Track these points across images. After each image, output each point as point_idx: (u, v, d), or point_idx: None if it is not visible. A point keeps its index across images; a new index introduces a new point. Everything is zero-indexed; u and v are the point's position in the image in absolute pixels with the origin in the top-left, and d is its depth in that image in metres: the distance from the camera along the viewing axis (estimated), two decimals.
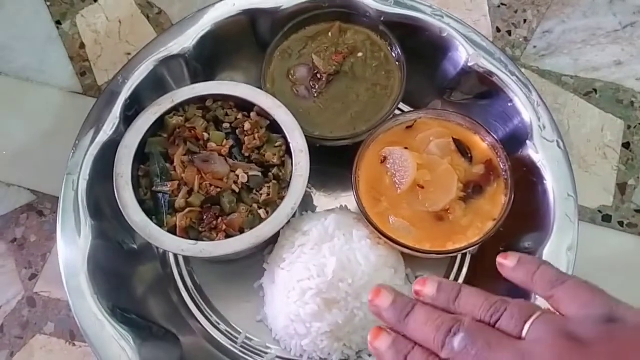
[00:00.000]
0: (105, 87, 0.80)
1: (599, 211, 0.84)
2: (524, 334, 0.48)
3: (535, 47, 0.92)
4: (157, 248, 0.82)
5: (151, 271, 0.82)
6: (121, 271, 0.77)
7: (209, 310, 0.81)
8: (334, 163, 0.82)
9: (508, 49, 0.92)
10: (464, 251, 0.73)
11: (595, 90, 0.89)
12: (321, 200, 0.85)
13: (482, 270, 0.80)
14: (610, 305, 0.48)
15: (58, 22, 0.95)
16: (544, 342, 0.47)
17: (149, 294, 0.79)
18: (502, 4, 0.94)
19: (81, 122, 0.78)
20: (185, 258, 0.82)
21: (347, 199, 0.84)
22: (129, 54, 0.92)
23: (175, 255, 0.83)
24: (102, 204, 0.76)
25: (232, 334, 0.79)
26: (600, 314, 0.47)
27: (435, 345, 0.51)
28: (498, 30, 0.93)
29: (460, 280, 0.81)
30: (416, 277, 0.79)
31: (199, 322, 0.80)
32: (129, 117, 0.78)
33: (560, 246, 0.72)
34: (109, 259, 0.75)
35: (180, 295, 0.82)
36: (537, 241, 0.73)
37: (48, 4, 0.96)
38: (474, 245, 0.71)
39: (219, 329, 0.80)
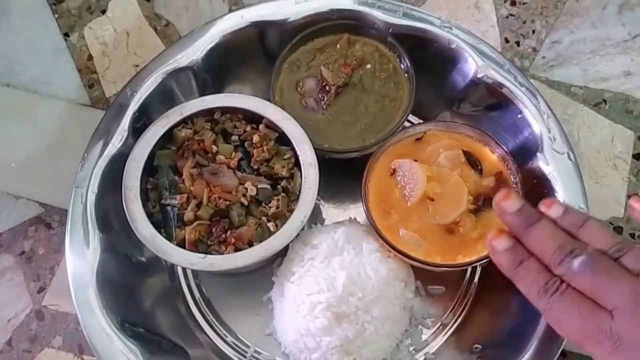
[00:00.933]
0: (113, 100, 0.81)
1: (610, 223, 0.83)
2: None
3: (544, 57, 0.92)
4: (166, 261, 0.81)
5: (159, 284, 0.82)
6: (129, 284, 0.77)
7: (217, 323, 0.81)
8: (343, 174, 0.82)
9: (517, 59, 0.91)
10: (475, 264, 0.72)
11: (605, 101, 0.89)
12: (330, 212, 0.85)
13: (492, 282, 0.79)
14: None
15: (66, 35, 0.95)
16: None
17: (157, 307, 0.79)
18: (511, 15, 0.94)
19: (89, 134, 0.77)
20: (194, 270, 0.82)
21: (356, 211, 0.83)
22: (137, 65, 0.92)
23: (184, 268, 0.82)
24: (110, 216, 0.76)
25: (240, 348, 0.79)
26: None
27: (553, 260, 0.54)
28: (506, 40, 0.93)
29: (471, 292, 0.80)
30: (426, 290, 0.79)
31: (207, 335, 0.80)
32: (137, 129, 0.78)
33: None
34: (118, 272, 0.75)
35: (188, 307, 0.82)
36: None
37: (56, 16, 0.96)
38: (485, 259, 0.70)
39: (227, 342, 0.79)
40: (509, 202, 0.59)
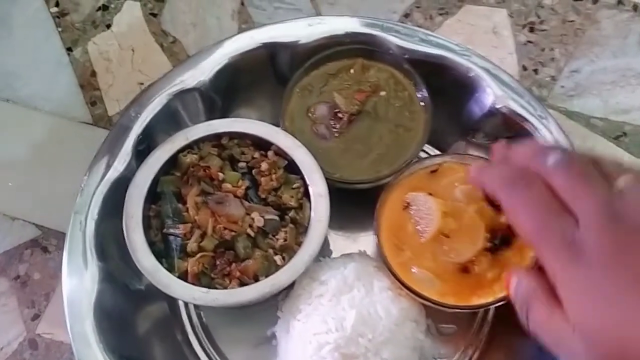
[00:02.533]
0: (116, 120, 0.78)
1: None
2: (619, 184, 0.47)
3: (563, 87, 0.89)
4: None
5: (158, 312, 0.78)
6: (127, 314, 0.74)
7: (217, 356, 0.77)
8: (353, 203, 0.79)
9: (534, 88, 0.88)
10: (490, 306, 0.69)
11: (625, 134, 0.86)
12: (338, 242, 0.81)
13: (507, 321, 0.75)
14: None
15: (69, 49, 0.92)
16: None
17: (155, 339, 0.76)
18: (529, 42, 0.91)
19: (90, 153, 0.75)
20: None
21: (366, 241, 0.80)
22: (142, 83, 0.90)
23: None
24: (109, 243, 0.73)
25: None
26: None
27: (527, 156, 0.52)
28: (524, 68, 0.90)
29: (484, 331, 0.77)
30: (437, 329, 0.76)
31: None
32: (141, 152, 0.75)
33: None
34: (116, 303, 0.72)
35: (187, 338, 0.79)
36: None
37: (59, 29, 0.93)
38: (501, 301, 0.67)
39: None
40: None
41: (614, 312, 0.43)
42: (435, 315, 0.75)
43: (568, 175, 0.48)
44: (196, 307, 0.79)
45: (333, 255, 0.79)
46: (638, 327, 0.42)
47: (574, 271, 0.46)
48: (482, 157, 0.74)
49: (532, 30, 0.92)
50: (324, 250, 0.80)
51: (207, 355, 0.78)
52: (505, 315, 0.75)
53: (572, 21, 0.92)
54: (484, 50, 0.87)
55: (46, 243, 0.82)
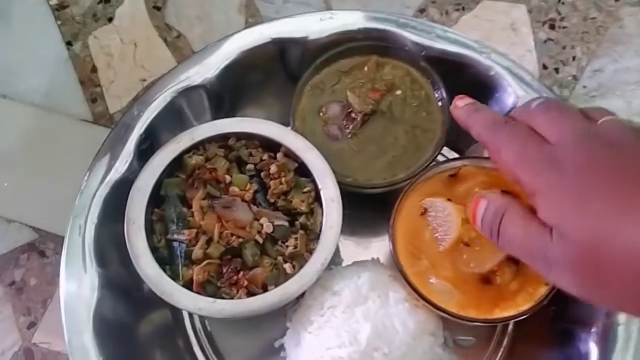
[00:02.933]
0: (117, 118, 0.74)
1: None
2: (598, 121, 0.50)
3: (584, 87, 0.85)
4: None
5: (160, 320, 0.75)
6: (128, 324, 0.70)
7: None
8: (365, 207, 0.76)
9: (555, 88, 0.84)
10: (513, 320, 0.65)
11: None
12: (350, 248, 0.78)
13: (528, 334, 0.73)
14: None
15: (69, 43, 0.88)
16: (615, 127, 0.49)
17: (157, 349, 0.72)
18: (549, 39, 0.87)
19: (90, 153, 0.71)
20: None
21: (379, 248, 0.77)
22: (144, 80, 0.86)
23: None
24: (109, 249, 0.69)
25: None
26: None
27: (519, 109, 0.58)
28: (544, 67, 0.86)
29: (503, 344, 0.74)
30: (454, 341, 0.73)
31: None
32: (143, 153, 0.71)
33: (620, 318, 0.64)
34: (116, 312, 0.68)
35: (190, 348, 0.75)
36: (594, 309, 0.66)
37: (59, 22, 0.89)
38: (525, 315, 0.64)
39: None
40: (461, 100, 0.63)
41: (589, 210, 0.45)
42: (452, 327, 0.71)
43: (547, 112, 0.52)
44: (200, 315, 0.76)
45: (344, 263, 0.76)
46: (611, 222, 0.44)
47: (551, 178, 0.48)
48: None
49: (552, 27, 0.88)
50: (334, 257, 0.76)
51: None
52: (526, 327, 0.73)
53: (593, 18, 0.89)
54: (502, 47, 0.84)
55: (43, 247, 0.78)
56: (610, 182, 0.46)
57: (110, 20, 0.90)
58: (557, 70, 0.86)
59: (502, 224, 0.53)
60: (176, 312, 0.76)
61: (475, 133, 0.58)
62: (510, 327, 0.74)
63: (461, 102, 0.62)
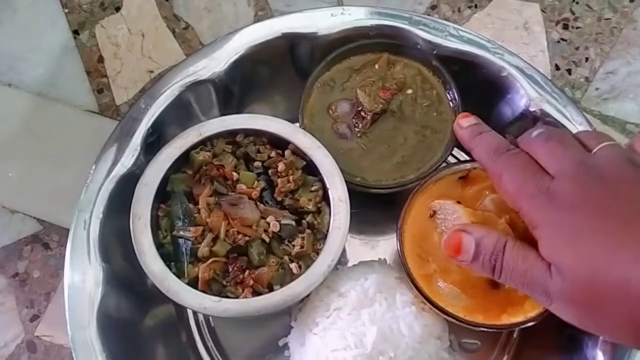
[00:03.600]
0: (126, 109, 0.73)
1: None
2: (595, 149, 0.52)
3: (597, 89, 0.84)
4: None
5: (164, 316, 0.74)
6: (132, 319, 0.70)
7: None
8: (372, 206, 0.75)
9: (567, 89, 0.83)
10: (521, 327, 0.64)
11: None
12: (356, 248, 0.77)
13: (533, 340, 0.73)
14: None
15: (75, 32, 0.87)
16: (611, 159, 0.51)
17: (161, 344, 0.72)
18: (562, 39, 0.86)
19: (96, 144, 0.70)
20: None
21: (385, 247, 0.77)
22: (152, 71, 0.85)
23: None
24: (114, 244, 0.69)
25: None
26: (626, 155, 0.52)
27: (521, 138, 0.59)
28: (557, 67, 0.85)
29: (509, 349, 0.73)
30: (459, 344, 0.72)
31: None
32: (150, 147, 0.70)
33: None
34: (119, 307, 0.68)
35: (194, 344, 0.75)
36: None
37: (65, 11, 0.88)
38: (532, 321, 0.63)
39: None
40: (466, 119, 0.65)
41: (584, 249, 0.48)
42: (458, 330, 0.71)
43: (547, 143, 0.54)
44: (205, 313, 0.75)
45: (350, 262, 0.75)
46: (604, 260, 0.47)
47: (549, 213, 0.51)
48: None
49: (565, 27, 0.87)
50: (341, 257, 0.75)
51: None
52: (532, 332, 0.72)
53: (608, 19, 0.87)
54: (515, 46, 0.83)
55: (47, 239, 0.78)
56: (603, 220, 0.48)
57: (117, 9, 0.88)
58: (569, 71, 0.85)
59: (504, 260, 0.55)
60: (180, 308, 0.75)
61: (477, 156, 0.61)
62: (516, 332, 0.74)
63: (465, 122, 0.64)
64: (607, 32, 0.86)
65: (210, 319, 0.76)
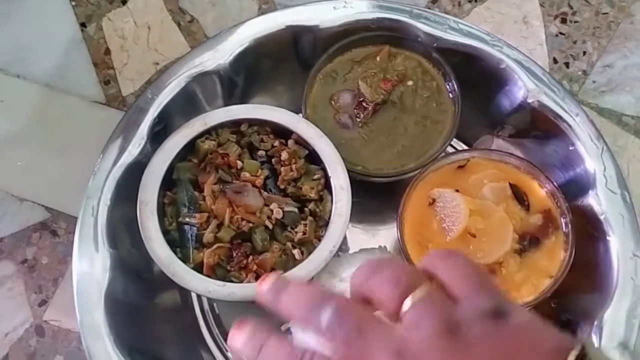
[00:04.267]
0: (132, 100, 0.75)
1: None
2: (403, 308, 0.40)
3: (594, 82, 0.85)
4: None
5: (169, 302, 0.76)
6: (138, 304, 0.71)
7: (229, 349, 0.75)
8: (373, 196, 0.77)
9: (565, 82, 0.85)
10: None
11: None
12: (357, 236, 0.79)
13: None
14: (499, 296, 0.42)
15: (83, 25, 0.89)
16: (423, 333, 0.39)
17: (167, 330, 0.74)
18: (561, 33, 0.88)
19: (102, 134, 0.72)
20: None
21: (386, 236, 0.78)
22: (157, 63, 0.86)
23: None
24: (121, 231, 0.70)
25: None
26: (489, 306, 0.40)
27: (299, 317, 0.45)
28: (555, 61, 0.87)
29: None
30: None
31: None
32: (156, 136, 0.72)
33: (621, 311, 0.65)
34: (126, 292, 0.69)
35: (199, 331, 0.77)
36: (596, 303, 0.67)
37: (73, 3, 0.90)
38: (529, 306, 0.65)
39: None
40: (266, 282, 0.49)
41: None
42: None
43: (344, 334, 0.41)
44: (209, 297, 0.77)
45: (351, 250, 0.77)
46: None
47: None
48: (510, 154, 0.71)
49: (564, 21, 0.88)
50: (342, 244, 0.77)
51: (218, 347, 0.76)
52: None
53: (605, 13, 0.89)
54: (514, 40, 0.84)
55: (55, 226, 0.79)
56: None
57: (124, 2, 0.90)
58: (567, 64, 0.86)
59: None
60: (185, 294, 0.77)
61: (288, 314, 0.47)
62: None
63: (265, 285, 0.49)
64: (604, 26, 0.88)
65: (215, 306, 0.77)
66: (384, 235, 0.78)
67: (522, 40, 0.87)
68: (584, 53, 0.87)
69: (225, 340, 0.75)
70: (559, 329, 0.66)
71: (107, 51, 0.87)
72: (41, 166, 0.82)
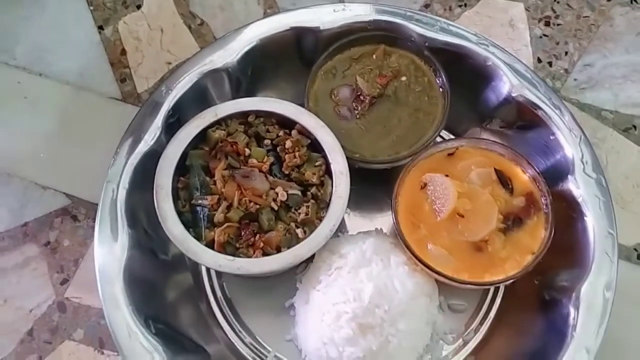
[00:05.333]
0: (146, 96, 0.81)
1: (635, 249, 0.83)
2: None
3: (575, 79, 0.92)
4: (190, 260, 0.81)
5: (183, 282, 0.82)
6: (154, 281, 0.77)
7: (238, 326, 0.81)
8: (370, 184, 0.82)
9: (548, 80, 0.91)
10: (502, 284, 0.72)
11: (635, 127, 0.89)
12: (356, 221, 0.85)
13: (515, 303, 0.80)
14: None
15: (100, 27, 0.96)
16: None
17: (180, 305, 0.79)
18: (544, 35, 0.94)
19: (119, 128, 0.78)
20: (217, 271, 0.82)
21: (382, 221, 0.84)
22: (170, 63, 0.93)
23: (208, 269, 0.82)
24: (139, 213, 0.76)
25: (259, 351, 0.80)
26: None
27: None
28: (539, 60, 0.93)
29: (493, 311, 0.80)
30: (448, 305, 0.79)
31: (227, 335, 0.81)
32: (170, 127, 0.78)
33: (598, 284, 0.71)
34: (144, 269, 0.75)
35: (210, 307, 0.82)
36: (575, 277, 0.72)
37: (91, 8, 0.97)
38: (512, 279, 0.71)
39: (247, 345, 0.80)
40: None
41: None
42: (446, 292, 0.78)
43: None
44: (219, 277, 0.83)
45: (350, 233, 0.82)
46: None
47: None
48: (495, 142, 0.78)
49: (547, 24, 0.95)
50: (342, 228, 0.83)
51: (229, 323, 0.81)
52: (514, 297, 0.80)
53: (586, 17, 0.95)
54: (501, 41, 0.90)
55: (76, 212, 0.85)
56: None
57: (138, 7, 0.97)
58: (550, 63, 0.93)
59: None
60: (197, 276, 0.83)
61: None
62: (500, 296, 0.81)
63: None
64: (585, 28, 0.95)
65: (225, 287, 0.83)
66: (381, 220, 0.84)
67: (509, 41, 0.94)
68: (566, 53, 0.93)
69: (236, 319, 0.81)
70: (541, 304, 0.72)
71: (123, 52, 0.94)
72: (62, 157, 0.88)
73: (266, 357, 0.78)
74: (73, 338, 0.79)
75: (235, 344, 0.80)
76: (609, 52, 0.93)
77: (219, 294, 0.83)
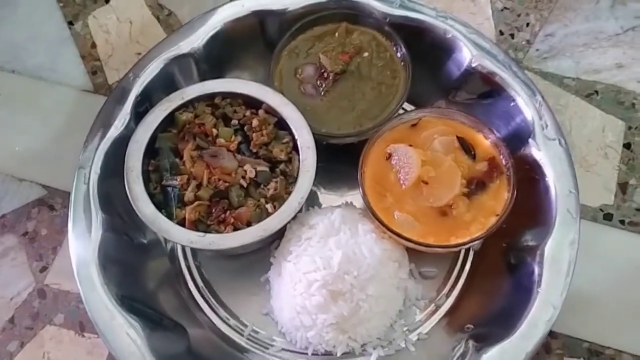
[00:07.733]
0: (116, 85, 0.82)
1: (600, 210, 0.85)
2: None
3: (537, 50, 0.94)
4: (166, 243, 0.83)
5: (160, 266, 0.83)
6: (130, 263, 0.79)
7: (216, 304, 0.82)
8: (340, 161, 0.84)
9: (511, 51, 0.93)
10: (467, 246, 0.74)
11: (597, 92, 0.91)
12: (327, 197, 0.86)
13: (484, 266, 0.81)
14: None
15: (70, 23, 0.97)
16: None
17: (158, 287, 0.81)
18: (505, 8, 0.96)
19: (92, 119, 0.79)
20: (194, 252, 0.84)
21: (353, 197, 0.85)
22: (139, 53, 0.94)
23: (184, 250, 0.84)
24: (112, 198, 0.78)
25: (238, 327, 0.81)
26: None
27: None
28: (501, 33, 0.95)
29: (463, 276, 0.82)
30: (419, 273, 0.81)
31: (206, 315, 0.82)
32: (139, 113, 0.80)
33: (562, 241, 0.73)
34: (119, 251, 0.76)
35: (188, 288, 0.84)
36: (539, 237, 0.74)
37: (61, 4, 0.98)
38: (477, 240, 0.72)
39: (225, 322, 0.81)
40: None
41: None
42: (417, 259, 0.80)
43: None
44: (195, 259, 0.84)
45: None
46: None
47: None
48: (457, 111, 0.79)
49: None
50: (314, 204, 0.85)
51: (207, 303, 0.83)
52: (482, 263, 0.82)
53: None
54: (463, 16, 0.92)
55: (52, 202, 0.87)
56: None
57: (107, 1, 0.98)
58: (512, 35, 0.95)
59: None
60: (174, 259, 0.84)
61: None
62: (470, 261, 0.83)
63: None
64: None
65: (202, 268, 0.84)
66: (352, 197, 0.85)
67: (471, 16, 0.96)
68: (527, 25, 0.95)
69: (213, 297, 0.83)
70: (507, 266, 0.74)
71: (93, 45, 0.96)
72: (37, 149, 0.90)
73: (243, 332, 0.80)
74: (54, 323, 0.81)
75: (213, 320, 0.81)
76: (570, 21, 0.95)
77: (196, 274, 0.84)
